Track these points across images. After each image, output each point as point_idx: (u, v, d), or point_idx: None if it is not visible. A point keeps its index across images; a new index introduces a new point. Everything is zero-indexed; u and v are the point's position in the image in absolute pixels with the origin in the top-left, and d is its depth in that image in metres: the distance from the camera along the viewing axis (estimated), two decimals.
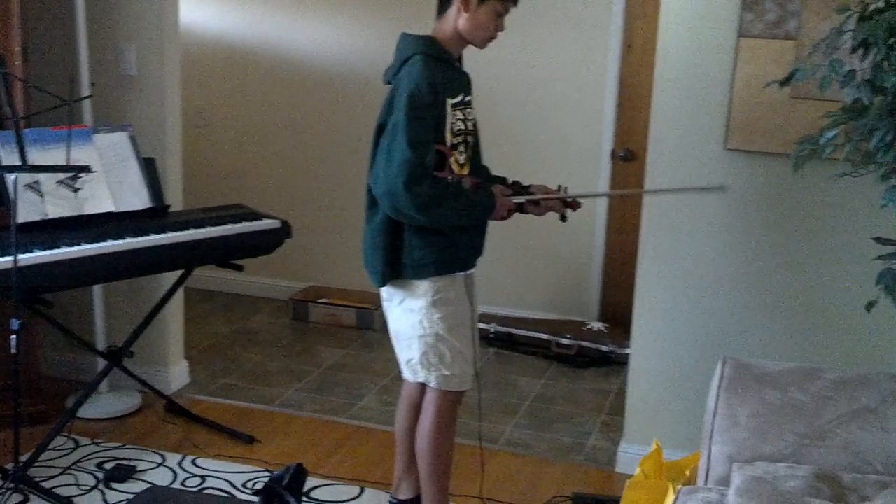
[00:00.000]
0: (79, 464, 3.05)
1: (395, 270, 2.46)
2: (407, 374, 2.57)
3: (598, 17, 4.32)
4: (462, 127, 2.45)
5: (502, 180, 2.65)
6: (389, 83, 2.44)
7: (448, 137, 2.40)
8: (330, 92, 4.77)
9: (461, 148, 2.45)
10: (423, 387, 2.58)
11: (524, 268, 4.56)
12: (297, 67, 4.82)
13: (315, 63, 4.79)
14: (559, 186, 2.59)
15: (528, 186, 2.61)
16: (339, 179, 4.84)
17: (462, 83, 2.48)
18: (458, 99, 2.43)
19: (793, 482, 1.93)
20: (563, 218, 2.58)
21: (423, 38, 2.43)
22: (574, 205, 2.59)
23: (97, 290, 3.51)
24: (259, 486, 2.93)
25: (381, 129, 2.40)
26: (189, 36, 4.52)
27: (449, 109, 2.39)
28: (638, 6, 4.32)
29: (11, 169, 2.52)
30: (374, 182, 2.38)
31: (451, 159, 2.41)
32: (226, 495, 2.90)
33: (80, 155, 2.95)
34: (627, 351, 4.14)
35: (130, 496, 2.84)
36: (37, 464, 2.95)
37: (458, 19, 2.40)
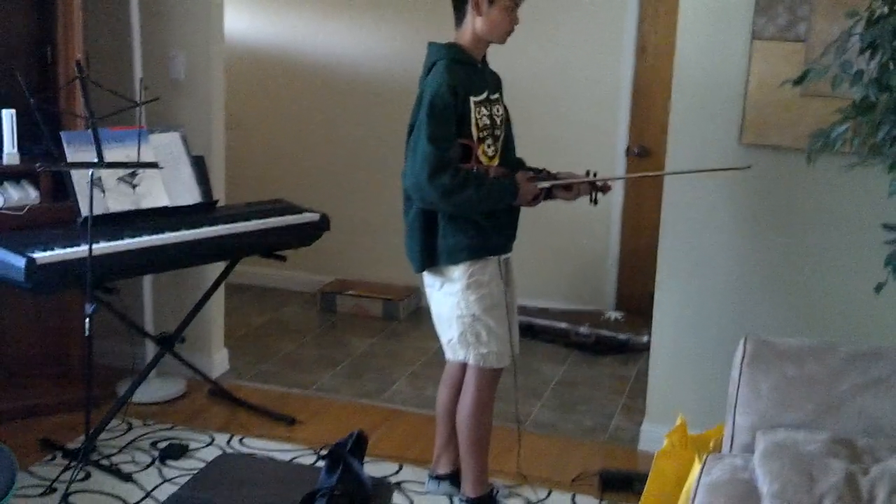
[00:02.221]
0: (134, 444, 3.25)
1: (432, 257, 2.67)
2: (448, 353, 2.77)
3: (612, 21, 4.53)
4: (488, 122, 2.65)
5: (533, 169, 2.84)
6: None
7: (474, 132, 2.60)
8: (357, 94, 4.98)
9: (489, 141, 2.65)
10: (464, 367, 2.77)
11: (544, 260, 4.75)
12: (326, 71, 5.02)
13: (344, 67, 4.99)
14: (588, 172, 2.78)
15: (557, 173, 2.79)
16: (363, 177, 5.04)
17: (486, 82, 2.68)
18: (483, 97, 2.64)
19: (812, 446, 2.11)
20: (594, 201, 2.76)
21: (447, 44, 2.64)
22: (605, 188, 2.77)
23: (146, 280, 3.71)
24: (305, 462, 3.14)
25: (412, 129, 2.62)
26: (228, 41, 4.70)
27: (472, 107, 2.60)
28: (650, 10, 4.52)
29: (90, 165, 2.72)
30: (403, 176, 2.59)
31: (479, 151, 2.62)
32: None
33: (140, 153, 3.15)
34: (644, 339, 4.37)
35: (185, 472, 3.03)
36: (96, 443, 3.13)
37: (474, 23, 2.61)
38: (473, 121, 2.60)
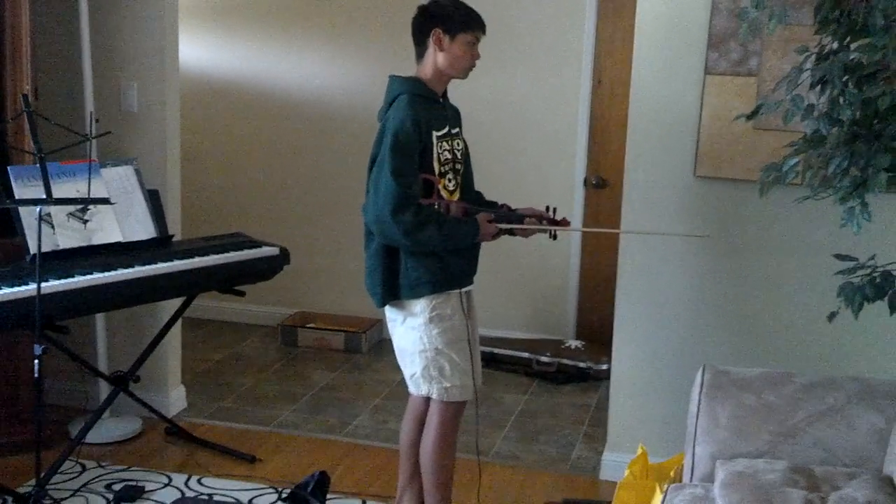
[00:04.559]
0: (88, 486, 3.16)
1: (394, 292, 2.65)
2: (411, 387, 2.74)
3: (570, 55, 4.59)
4: (449, 156, 2.66)
5: (493, 205, 2.86)
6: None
7: (436, 166, 2.61)
8: (316, 125, 4.97)
9: (449, 175, 2.66)
10: (427, 401, 2.75)
11: (505, 290, 4.77)
12: (285, 102, 5.01)
13: (303, 98, 4.98)
14: (548, 207, 2.81)
15: (517, 209, 2.81)
16: (323, 209, 5.02)
17: (447, 117, 2.70)
18: (444, 131, 2.65)
19: (771, 475, 2.13)
20: (553, 236, 2.80)
21: (409, 78, 2.66)
22: (563, 223, 2.80)
23: (99, 318, 3.63)
24: (266, 500, 3.08)
25: (374, 161, 2.61)
26: (183, 72, 4.69)
27: (435, 141, 2.61)
28: (606, 45, 4.59)
29: (38, 202, 2.66)
30: (365, 211, 2.58)
31: (440, 186, 2.63)
32: None
33: (90, 188, 3.09)
34: (604, 367, 4.39)
35: None
36: (47, 486, 3.03)
37: (436, 58, 2.63)
38: (436, 155, 2.61)
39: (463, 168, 2.75)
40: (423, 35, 2.64)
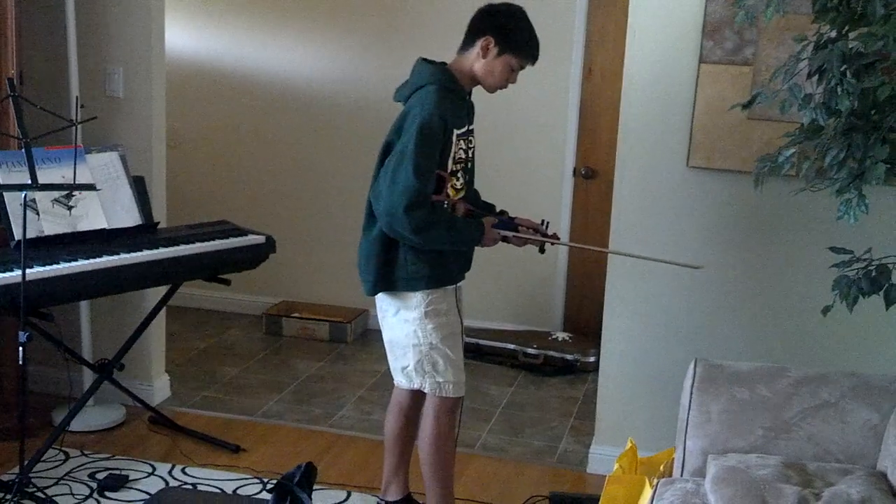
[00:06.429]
0: (71, 474, 3.12)
1: (388, 282, 2.60)
2: (402, 380, 2.70)
3: (560, 45, 4.54)
4: (463, 156, 2.61)
5: (491, 208, 2.81)
6: (400, 102, 2.60)
7: (450, 164, 2.56)
8: (302, 112, 4.90)
9: (459, 174, 2.62)
10: (412, 393, 2.72)
11: (492, 281, 4.73)
12: (271, 89, 4.94)
13: (289, 85, 4.91)
14: (542, 221, 2.77)
15: (514, 218, 2.77)
16: (309, 197, 4.96)
17: (468, 113, 2.65)
18: (463, 129, 2.60)
19: (764, 470, 2.12)
20: (542, 251, 2.78)
21: (441, 68, 2.59)
22: (554, 237, 2.78)
23: (84, 305, 3.58)
24: (250, 490, 3.05)
25: (388, 147, 2.54)
26: (169, 57, 4.62)
27: (454, 140, 2.55)
28: (597, 34, 4.55)
29: (23, 187, 2.61)
30: (376, 199, 2.52)
31: (449, 185, 2.58)
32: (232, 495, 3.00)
33: (76, 174, 3.04)
34: (591, 359, 4.37)
35: None
36: (30, 474, 2.98)
37: (475, 61, 2.58)
38: (452, 154, 2.56)
39: (472, 166, 2.71)
40: (476, 33, 2.57)
